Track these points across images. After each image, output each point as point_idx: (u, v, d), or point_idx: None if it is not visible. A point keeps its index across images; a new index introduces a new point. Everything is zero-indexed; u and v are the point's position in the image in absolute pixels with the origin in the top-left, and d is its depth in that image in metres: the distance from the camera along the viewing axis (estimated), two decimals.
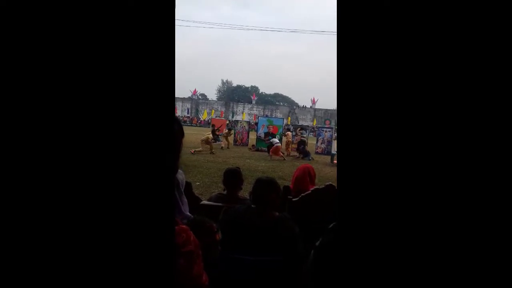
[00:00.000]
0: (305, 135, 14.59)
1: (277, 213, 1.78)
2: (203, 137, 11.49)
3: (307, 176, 2.67)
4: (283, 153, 11.98)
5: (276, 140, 12.05)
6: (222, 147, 13.16)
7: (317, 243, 1.55)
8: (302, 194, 2.28)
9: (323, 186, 2.27)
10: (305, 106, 54.81)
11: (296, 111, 53.59)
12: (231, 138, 14.57)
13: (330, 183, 2.28)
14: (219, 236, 1.55)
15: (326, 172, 8.94)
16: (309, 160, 11.41)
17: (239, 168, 2.53)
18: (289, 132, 13.66)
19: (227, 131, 14.06)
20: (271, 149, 11.44)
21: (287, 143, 12.68)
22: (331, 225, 1.52)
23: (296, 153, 12.23)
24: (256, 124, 17.38)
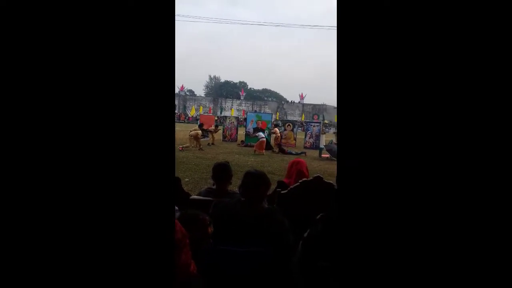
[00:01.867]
0: (282, 131, 14.52)
1: (266, 206, 1.81)
2: (192, 132, 11.39)
3: (305, 169, 2.74)
4: (272, 148, 12.03)
5: (261, 134, 12.06)
6: (209, 143, 13.11)
7: (305, 235, 1.58)
8: (291, 187, 2.32)
9: (311, 178, 2.31)
10: (294, 101, 54.93)
11: (285, 106, 53.65)
12: (217, 134, 14.50)
13: (318, 175, 2.32)
14: (211, 229, 1.56)
15: (314, 166, 9.02)
16: (298, 155, 11.47)
17: (228, 162, 2.54)
18: (276, 129, 13.65)
19: (214, 127, 13.98)
20: (255, 144, 11.47)
21: (276, 139, 12.70)
22: (319, 216, 1.56)
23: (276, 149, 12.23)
24: (245, 119, 17.35)
